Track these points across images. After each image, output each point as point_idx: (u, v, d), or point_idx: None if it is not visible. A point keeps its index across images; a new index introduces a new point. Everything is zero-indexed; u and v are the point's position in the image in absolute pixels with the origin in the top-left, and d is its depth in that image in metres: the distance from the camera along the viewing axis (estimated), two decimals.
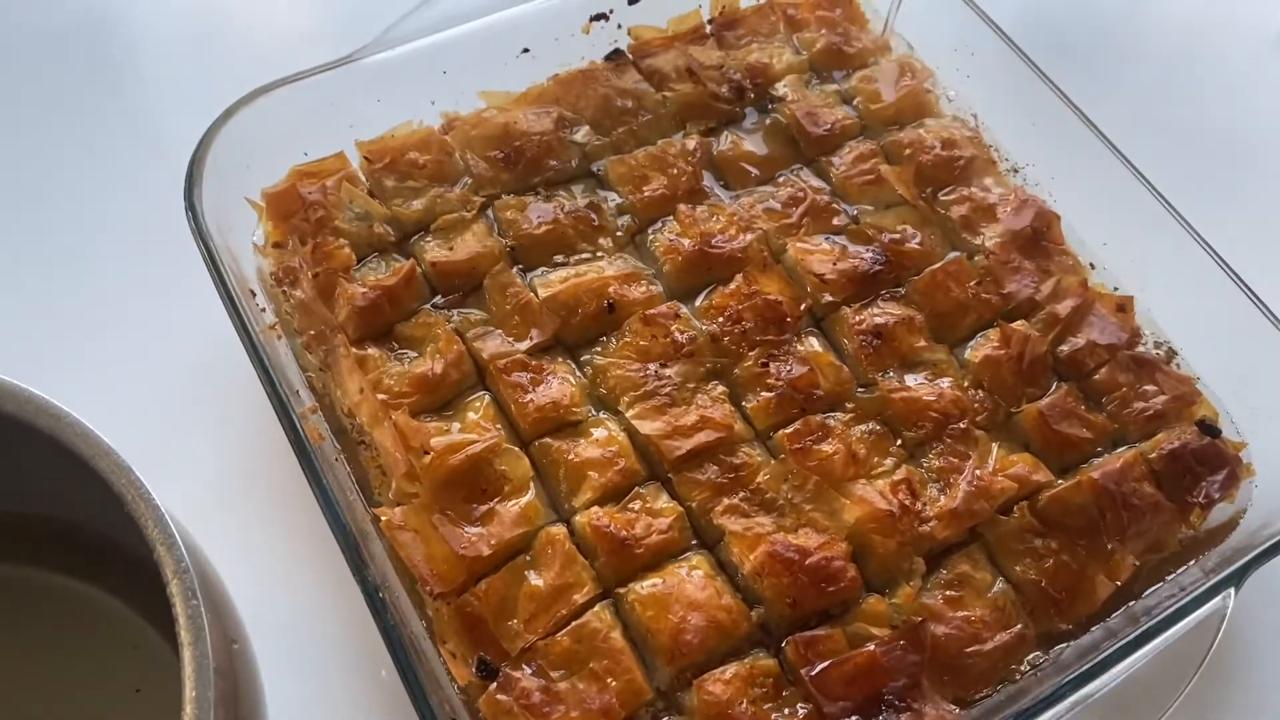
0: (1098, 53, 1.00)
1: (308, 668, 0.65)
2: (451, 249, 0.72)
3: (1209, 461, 0.68)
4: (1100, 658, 0.57)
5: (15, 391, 0.51)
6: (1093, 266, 0.77)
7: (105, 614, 0.62)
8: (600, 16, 0.83)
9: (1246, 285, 0.71)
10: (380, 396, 0.65)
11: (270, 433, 0.69)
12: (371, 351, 0.68)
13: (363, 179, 0.75)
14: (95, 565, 0.62)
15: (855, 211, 0.77)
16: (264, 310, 0.69)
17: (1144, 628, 0.58)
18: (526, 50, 0.81)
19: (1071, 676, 0.57)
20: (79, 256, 0.80)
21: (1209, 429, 0.69)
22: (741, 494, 0.65)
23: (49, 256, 0.79)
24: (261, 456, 0.70)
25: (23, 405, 0.51)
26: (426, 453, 0.63)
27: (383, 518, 0.61)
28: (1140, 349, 0.73)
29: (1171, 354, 0.74)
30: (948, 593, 0.63)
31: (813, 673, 0.58)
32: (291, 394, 0.63)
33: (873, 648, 0.59)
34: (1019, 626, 0.62)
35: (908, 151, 0.79)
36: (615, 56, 0.82)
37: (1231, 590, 0.60)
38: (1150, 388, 0.71)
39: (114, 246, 0.80)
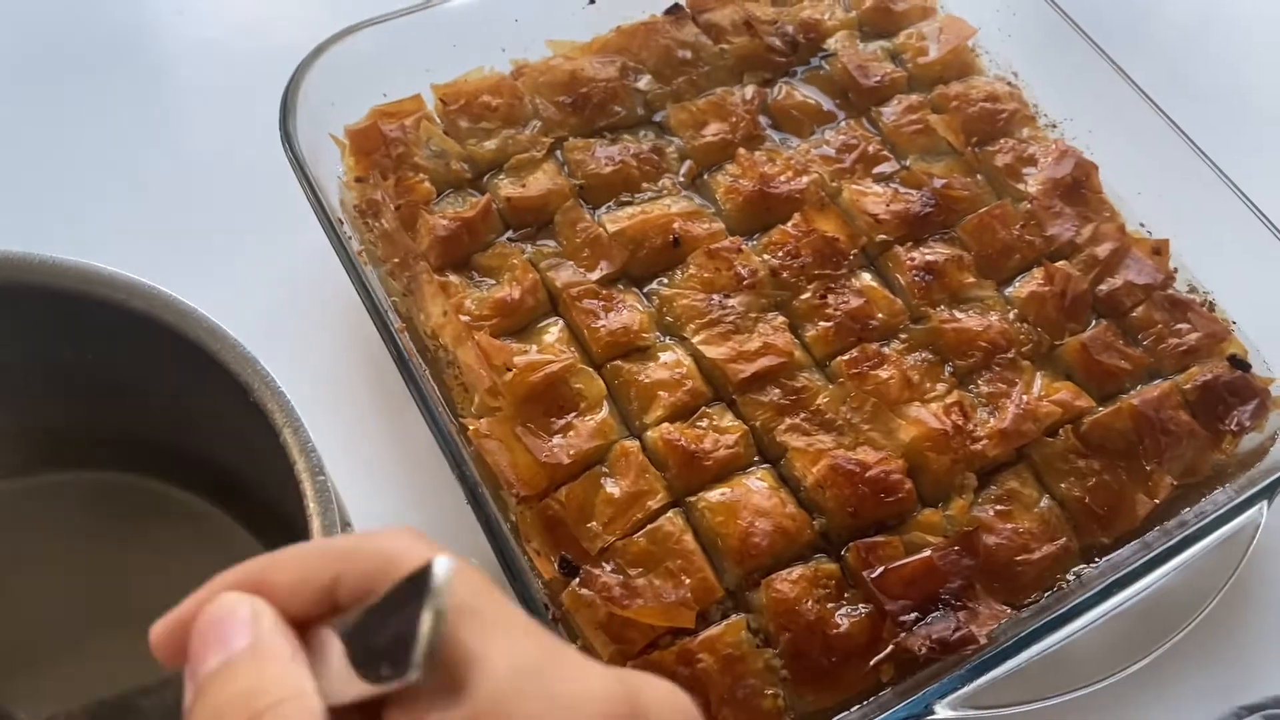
0: (1126, 14, 1.05)
1: None
2: (524, 186, 0.76)
3: (1240, 393, 0.72)
4: (1139, 562, 0.62)
5: (144, 289, 0.55)
6: (1132, 210, 0.81)
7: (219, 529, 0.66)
8: None
9: (1276, 227, 0.75)
10: (463, 318, 0.69)
11: (362, 349, 0.73)
12: (452, 279, 0.72)
13: (438, 120, 0.79)
14: (213, 487, 0.66)
15: (907, 162, 0.81)
16: (350, 239, 0.73)
17: (1181, 535, 0.63)
18: (592, 2, 0.84)
19: (1113, 579, 0.61)
20: (185, 191, 0.84)
21: (1240, 364, 0.73)
22: (802, 415, 0.69)
23: (165, 189, 0.84)
24: (356, 370, 0.74)
25: (151, 301, 0.54)
26: (509, 370, 0.67)
27: (470, 427, 0.65)
28: (1173, 290, 0.77)
29: (1205, 298, 0.78)
30: (998, 507, 0.67)
31: (874, 575, 0.62)
32: (386, 309, 0.67)
33: (929, 553, 0.63)
34: (1064, 539, 0.66)
35: (954, 104, 0.83)
36: (674, 11, 0.86)
37: (1265, 503, 0.64)
38: (1184, 325, 0.75)
39: (214, 180, 0.84)
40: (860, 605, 0.63)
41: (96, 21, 0.94)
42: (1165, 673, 0.67)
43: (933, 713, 0.57)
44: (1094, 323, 0.75)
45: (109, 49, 0.93)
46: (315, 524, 0.50)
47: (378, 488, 0.70)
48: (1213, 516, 0.63)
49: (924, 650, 0.60)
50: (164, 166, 0.85)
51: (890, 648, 0.61)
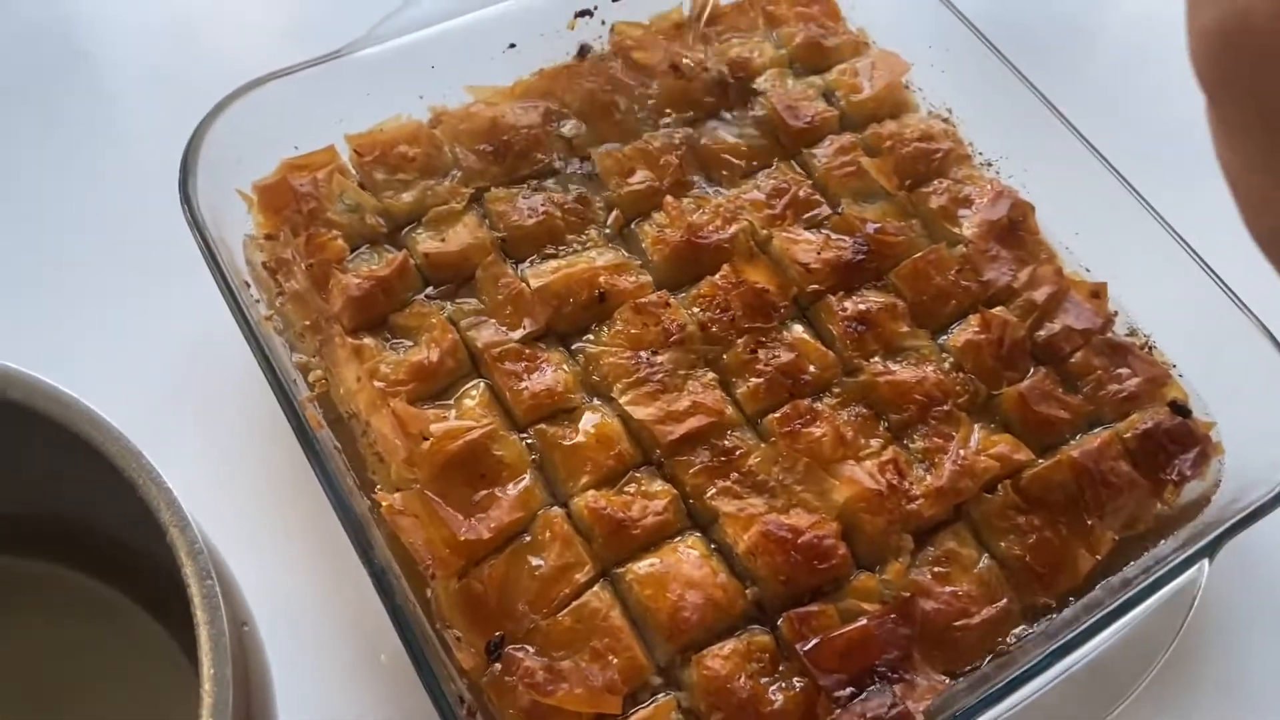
0: (1061, 47, 1.03)
1: (306, 655, 0.65)
2: (443, 240, 0.73)
3: (1181, 440, 0.71)
4: (1082, 628, 0.60)
5: (23, 379, 0.51)
6: (1069, 250, 0.80)
7: (109, 605, 0.63)
8: (585, 13, 0.84)
9: (1210, 267, 0.73)
10: (378, 384, 0.66)
11: (267, 423, 0.70)
12: (367, 341, 0.69)
13: (353, 172, 0.76)
14: (101, 561, 0.63)
15: (840, 206, 0.79)
16: (258, 301, 0.69)
17: (1123, 599, 0.61)
18: (513, 45, 0.82)
19: (1054, 647, 0.59)
20: (72, 255, 0.80)
21: (1180, 409, 0.72)
22: (734, 476, 0.66)
23: (43, 256, 0.79)
24: (259, 446, 0.71)
25: (30, 392, 0.51)
26: (425, 439, 0.64)
27: (383, 503, 0.62)
28: (1112, 334, 0.76)
29: (1145, 341, 0.77)
30: (935, 569, 0.65)
31: (807, 647, 0.60)
32: (290, 382, 0.64)
33: (865, 622, 0.61)
34: (1004, 601, 0.64)
35: (888, 144, 0.81)
36: (584, 52, 0.83)
37: (1205, 561, 0.62)
38: (1124, 370, 0.73)
39: (107, 241, 0.80)
40: (795, 679, 0.60)
41: None
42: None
43: None
44: (1032, 370, 0.73)
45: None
46: (202, 633, 0.47)
47: (288, 570, 0.67)
48: (1153, 578, 0.61)
49: None
50: (57, 222, 0.81)
51: None
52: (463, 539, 0.61)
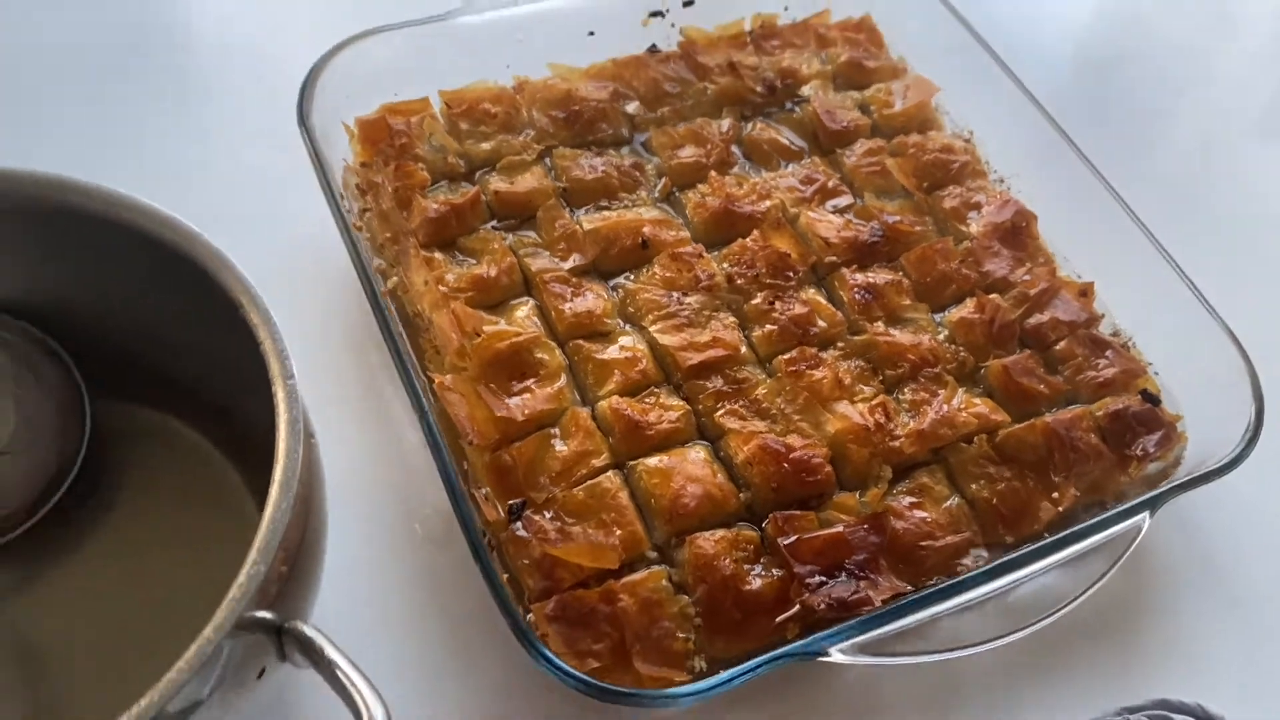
0: (1095, 91, 1.14)
1: (352, 512, 0.74)
2: (513, 183, 0.84)
3: (1148, 423, 0.78)
4: (1025, 551, 0.68)
5: (161, 215, 0.62)
6: (1066, 259, 0.89)
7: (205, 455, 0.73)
8: (657, 14, 0.96)
9: (1196, 287, 0.81)
10: (442, 289, 0.77)
11: (348, 315, 0.81)
12: (437, 255, 0.79)
13: (441, 121, 0.87)
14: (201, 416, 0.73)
15: (863, 199, 0.89)
16: (350, 213, 0.81)
17: (1069, 531, 0.69)
18: (592, 33, 0.94)
19: (1003, 560, 0.67)
20: (204, 173, 0.92)
21: (1150, 398, 0.80)
22: (741, 402, 0.75)
23: (184, 168, 0.93)
24: (342, 333, 0.82)
25: (164, 224, 0.62)
26: (478, 335, 0.74)
27: (436, 379, 0.72)
28: (1096, 331, 0.84)
29: (1125, 340, 0.85)
30: (909, 499, 0.73)
31: (787, 542, 0.68)
32: (374, 274, 0.75)
33: (840, 529, 0.69)
34: (968, 533, 0.72)
35: (911, 150, 0.91)
36: (653, 50, 0.95)
37: (1147, 514, 0.70)
38: (1102, 361, 0.82)
39: (237, 160, 0.94)
40: (774, 570, 0.68)
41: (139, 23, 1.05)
42: (1054, 671, 0.73)
43: (827, 655, 0.62)
44: (1018, 351, 0.82)
45: (143, 42, 1.03)
46: (282, 419, 0.56)
47: (351, 437, 0.77)
48: (1099, 519, 0.69)
49: (823, 606, 0.65)
50: (195, 132, 0.95)
51: (796, 607, 0.66)
52: (499, 417, 0.71)
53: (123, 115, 0.96)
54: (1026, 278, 0.85)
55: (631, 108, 0.91)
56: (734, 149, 0.90)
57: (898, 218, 0.87)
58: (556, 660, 0.60)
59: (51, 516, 0.69)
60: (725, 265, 0.82)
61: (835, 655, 0.62)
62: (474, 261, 0.80)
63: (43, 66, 0.99)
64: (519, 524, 0.68)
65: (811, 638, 0.63)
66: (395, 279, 0.79)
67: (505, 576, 0.66)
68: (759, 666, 0.61)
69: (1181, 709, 0.69)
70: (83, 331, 0.70)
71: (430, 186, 0.83)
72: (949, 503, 0.73)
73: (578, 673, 0.60)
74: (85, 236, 0.63)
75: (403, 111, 0.86)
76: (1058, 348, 0.82)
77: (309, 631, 0.54)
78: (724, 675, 0.60)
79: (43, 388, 0.71)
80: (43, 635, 0.68)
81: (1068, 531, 0.69)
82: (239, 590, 0.51)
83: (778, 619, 0.66)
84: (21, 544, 0.68)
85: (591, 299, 0.78)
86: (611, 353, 0.76)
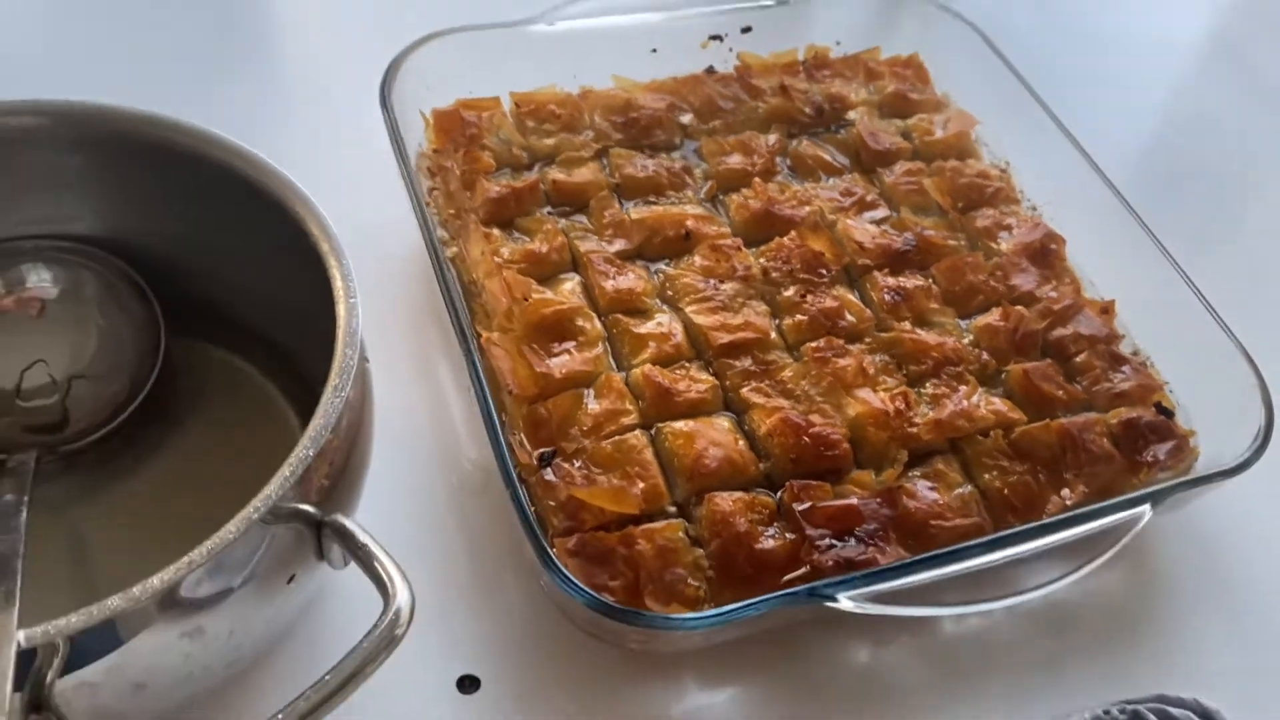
0: (1132, 132, 1.18)
1: (393, 457, 0.79)
2: (570, 175, 0.90)
3: (1160, 433, 0.81)
4: (1023, 529, 0.70)
5: (247, 153, 0.69)
6: (1092, 283, 0.92)
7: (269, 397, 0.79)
8: (716, 38, 1.03)
9: (1217, 312, 0.84)
10: (496, 259, 0.82)
11: (408, 283, 0.87)
12: (495, 231, 0.86)
13: (509, 119, 0.94)
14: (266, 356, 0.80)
15: (899, 213, 0.94)
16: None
17: (1064, 515, 0.71)
18: (655, 50, 1.01)
19: (997, 536, 0.70)
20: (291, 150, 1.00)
21: (1164, 410, 0.82)
22: (767, 382, 0.79)
23: (277, 119, 1.03)
24: (401, 298, 0.90)
25: (250, 162, 0.69)
26: (525, 299, 0.79)
27: (484, 334, 0.78)
28: (1116, 349, 0.87)
29: (1144, 360, 0.88)
30: (924, 483, 0.76)
31: (801, 508, 0.72)
32: (438, 242, 0.81)
33: (854, 500, 0.73)
34: (978, 519, 0.75)
35: (948, 173, 0.96)
36: (711, 71, 1.02)
37: (1148, 506, 0.72)
38: (1119, 375, 0.85)
39: (318, 139, 1.02)
40: (787, 534, 0.72)
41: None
42: (1054, 669, 0.75)
43: (836, 601, 0.65)
44: (1039, 359, 0.85)
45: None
46: (341, 329, 0.62)
47: (401, 383, 0.83)
48: (1102, 505, 0.71)
49: (830, 565, 0.68)
50: (280, 103, 1.05)
51: (805, 568, 0.70)
52: (539, 372, 0.76)
53: (213, 71, 1.07)
54: (1052, 294, 0.89)
55: (686, 119, 0.97)
56: (779, 160, 0.96)
57: (931, 231, 0.91)
58: (573, 579, 0.64)
59: (116, 434, 0.75)
60: (762, 260, 0.87)
61: (844, 602, 0.65)
62: (528, 239, 0.86)
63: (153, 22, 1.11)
64: (549, 470, 0.72)
65: (823, 581, 0.66)
66: (455, 249, 0.85)
67: (533, 510, 0.70)
68: (770, 601, 0.64)
69: (1179, 704, 0.71)
70: (164, 268, 0.77)
71: (494, 173, 0.90)
72: (961, 490, 0.76)
73: (591, 591, 0.63)
74: (173, 172, 0.70)
75: (475, 107, 0.93)
76: (1078, 359, 0.85)
77: (349, 524, 0.59)
78: (733, 606, 0.63)
79: (124, 318, 0.77)
80: (98, 539, 0.73)
81: (1071, 514, 0.71)
82: (288, 469, 0.55)
83: (786, 578, 0.69)
84: (88, 457, 0.74)
85: (633, 278, 0.84)
86: (648, 327, 0.81)
